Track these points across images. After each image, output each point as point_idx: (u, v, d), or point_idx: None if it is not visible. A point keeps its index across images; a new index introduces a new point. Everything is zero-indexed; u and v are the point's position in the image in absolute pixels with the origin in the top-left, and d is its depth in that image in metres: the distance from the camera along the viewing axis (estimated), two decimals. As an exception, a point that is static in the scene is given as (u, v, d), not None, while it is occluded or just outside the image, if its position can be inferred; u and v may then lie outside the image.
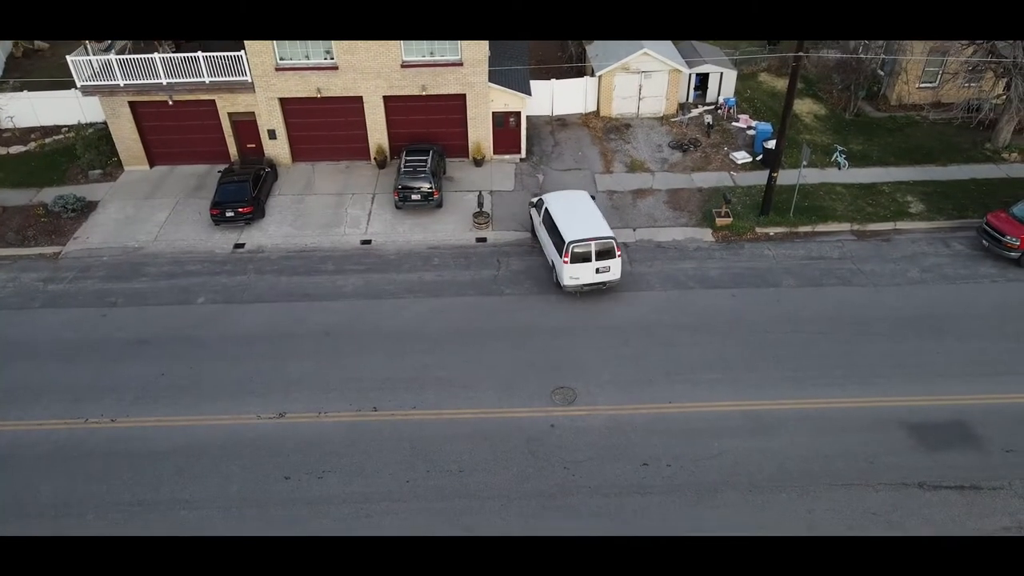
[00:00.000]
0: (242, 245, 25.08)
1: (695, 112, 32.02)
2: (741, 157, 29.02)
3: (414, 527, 15.85)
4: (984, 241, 23.78)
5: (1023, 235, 22.62)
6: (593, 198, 23.81)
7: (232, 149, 28.61)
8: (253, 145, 28.69)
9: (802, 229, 25.22)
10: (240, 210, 25.19)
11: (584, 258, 21.11)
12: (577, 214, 22.18)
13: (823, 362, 19.70)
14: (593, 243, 21.10)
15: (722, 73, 32.15)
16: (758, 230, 25.20)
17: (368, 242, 25.21)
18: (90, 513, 16.25)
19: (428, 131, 28.55)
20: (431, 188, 25.64)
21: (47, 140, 30.19)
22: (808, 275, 23.12)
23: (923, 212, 25.84)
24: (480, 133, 28.63)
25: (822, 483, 16.60)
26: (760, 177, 27.13)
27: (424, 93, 27.38)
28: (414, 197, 25.75)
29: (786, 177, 26.12)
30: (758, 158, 28.73)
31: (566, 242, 21.03)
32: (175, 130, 27.96)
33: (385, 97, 27.60)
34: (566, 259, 20.99)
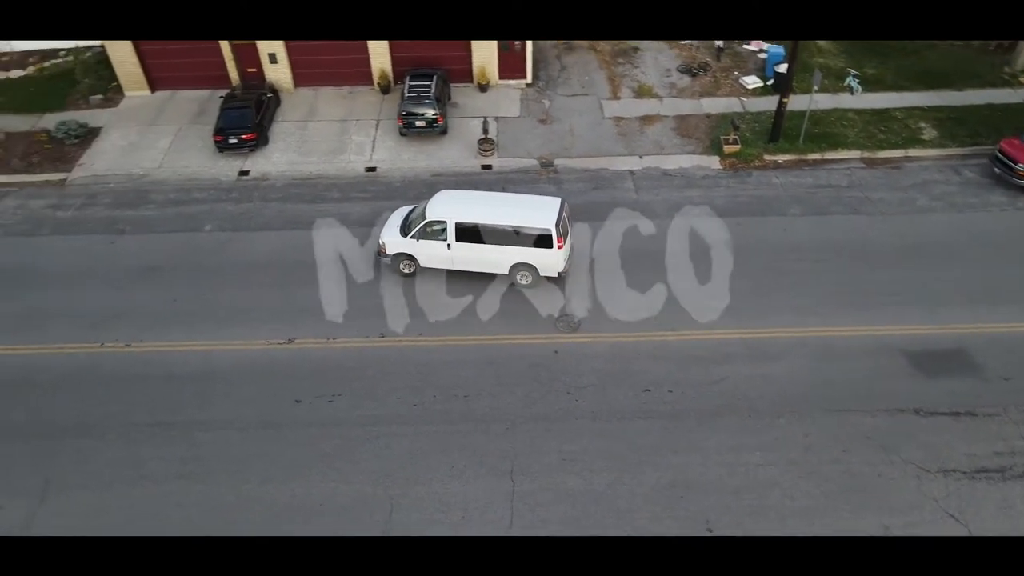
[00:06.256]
0: (247, 172, 24.99)
1: (706, 34, 31.16)
2: (752, 82, 28.39)
3: (419, 449, 16.41)
4: (996, 168, 23.46)
5: (1036, 162, 22.34)
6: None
7: (233, 74, 28.13)
8: (254, 70, 28.18)
9: (811, 156, 24.91)
10: (244, 137, 24.99)
11: (566, 233, 19.53)
12: (495, 204, 19.81)
13: (826, 290, 19.81)
14: (565, 213, 19.60)
15: (735, -7, 31.06)
16: (767, 157, 24.90)
17: (373, 169, 25.07)
18: (111, 433, 16.83)
19: (432, 55, 27.92)
20: (436, 114, 25.29)
21: (46, 64, 29.73)
22: (815, 203, 22.99)
23: (935, 139, 25.42)
24: (485, 57, 28.01)
25: (820, 408, 16.98)
26: (771, 103, 26.60)
27: (428, 15, 26.70)
28: (418, 123, 25.43)
29: (797, 103, 25.60)
30: (769, 83, 28.10)
31: (551, 228, 18.75)
32: (175, 54, 27.40)
33: (388, 19, 26.93)
34: (560, 244, 18.92)
